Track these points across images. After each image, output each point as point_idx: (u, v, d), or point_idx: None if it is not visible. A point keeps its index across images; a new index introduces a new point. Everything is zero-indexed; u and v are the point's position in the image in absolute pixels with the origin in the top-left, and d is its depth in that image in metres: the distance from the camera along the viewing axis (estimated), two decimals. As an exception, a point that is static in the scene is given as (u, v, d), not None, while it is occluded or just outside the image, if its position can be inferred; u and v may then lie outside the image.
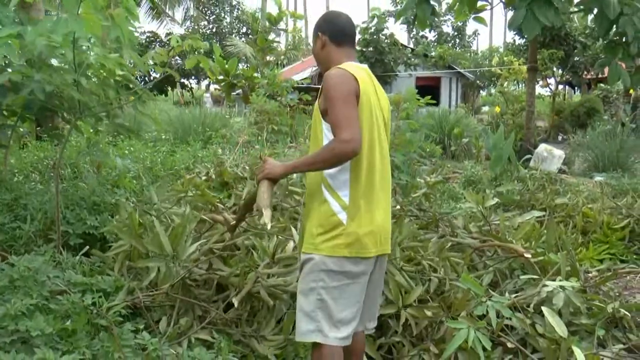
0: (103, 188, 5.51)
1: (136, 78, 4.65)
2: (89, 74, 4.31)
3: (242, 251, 4.17)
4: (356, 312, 2.84)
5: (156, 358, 2.88)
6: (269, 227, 2.82)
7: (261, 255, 3.88)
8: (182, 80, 31.45)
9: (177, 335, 3.37)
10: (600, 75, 23.34)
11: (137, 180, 6.35)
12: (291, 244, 4.07)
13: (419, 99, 10.30)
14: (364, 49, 27.60)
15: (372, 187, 2.82)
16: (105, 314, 3.12)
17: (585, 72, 23.29)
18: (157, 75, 5.68)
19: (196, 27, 42.96)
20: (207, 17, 43.21)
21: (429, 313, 3.82)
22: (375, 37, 28.21)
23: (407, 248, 4.38)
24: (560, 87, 25.36)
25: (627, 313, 4.30)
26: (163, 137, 11.40)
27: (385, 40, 28.43)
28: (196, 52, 5.20)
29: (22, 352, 2.57)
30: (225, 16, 43.36)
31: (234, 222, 3.62)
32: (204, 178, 5.98)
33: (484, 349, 3.41)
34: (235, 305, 3.42)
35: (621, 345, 4.12)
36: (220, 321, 3.55)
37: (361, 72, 2.85)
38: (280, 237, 4.24)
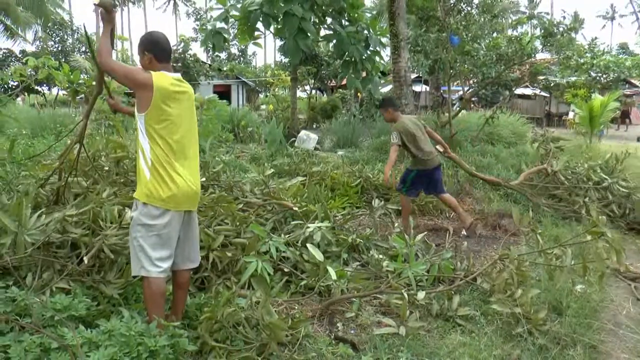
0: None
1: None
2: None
3: (87, 217, 3.70)
4: (171, 253, 2.76)
5: (24, 306, 2.69)
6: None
7: (106, 220, 3.56)
8: (36, 87, 27.78)
9: (41, 287, 3.10)
10: (339, 84, 24.59)
11: (2, 167, 5.60)
12: (130, 213, 3.77)
13: (218, 102, 10.16)
14: (174, 64, 26.56)
15: (184, 158, 2.73)
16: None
17: (329, 81, 24.36)
18: (16, 84, 5.26)
19: (44, 46, 37.85)
20: (53, 38, 38.20)
21: (229, 254, 3.78)
22: (182, 56, 27.32)
23: (212, 208, 4.27)
24: (314, 91, 26.34)
25: (361, 241, 4.61)
26: (23, 132, 10.21)
27: (190, 58, 27.65)
28: (47, 67, 4.91)
29: None
30: (68, 38, 38.53)
31: (89, 104, 3.51)
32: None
33: (269, 274, 3.47)
34: (86, 262, 3.20)
35: (358, 263, 4.41)
36: (75, 273, 3.28)
37: (168, 77, 2.71)
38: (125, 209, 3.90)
